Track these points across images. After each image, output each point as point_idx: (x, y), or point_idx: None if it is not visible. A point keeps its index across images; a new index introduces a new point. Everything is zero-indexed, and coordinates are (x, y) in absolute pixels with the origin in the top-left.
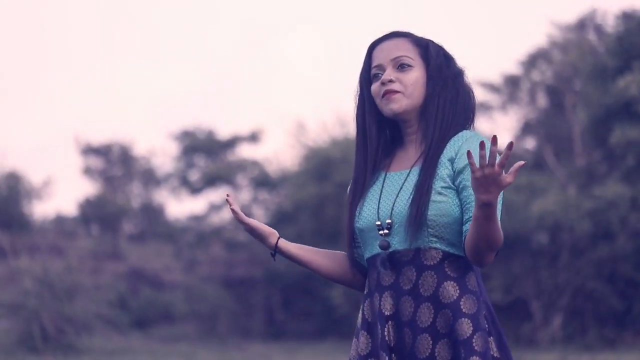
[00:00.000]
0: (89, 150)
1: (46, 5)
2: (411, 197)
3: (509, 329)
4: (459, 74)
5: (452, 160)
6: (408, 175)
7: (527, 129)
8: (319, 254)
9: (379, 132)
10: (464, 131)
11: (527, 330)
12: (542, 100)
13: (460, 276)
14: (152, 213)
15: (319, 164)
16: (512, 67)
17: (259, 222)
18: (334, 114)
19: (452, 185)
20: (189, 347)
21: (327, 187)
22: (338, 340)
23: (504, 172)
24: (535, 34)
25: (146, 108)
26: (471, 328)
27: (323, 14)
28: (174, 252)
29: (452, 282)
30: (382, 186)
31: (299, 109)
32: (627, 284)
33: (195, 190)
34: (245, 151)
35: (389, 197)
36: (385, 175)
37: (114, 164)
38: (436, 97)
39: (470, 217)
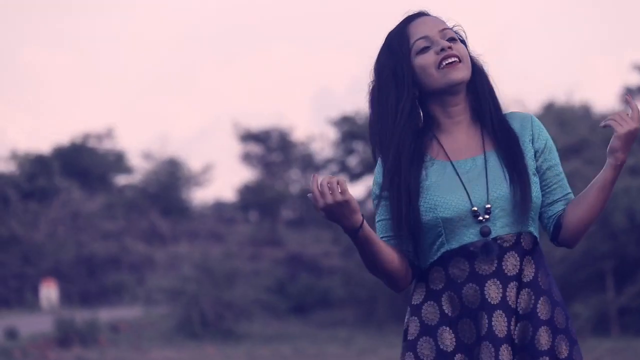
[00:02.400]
0: (248, 137)
1: None
2: (509, 179)
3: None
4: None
5: (531, 141)
6: (485, 159)
7: None
8: (387, 245)
9: (414, 114)
10: (516, 111)
11: None
12: None
13: (545, 262)
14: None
15: None
16: None
17: None
18: None
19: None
20: (347, 332)
21: None
22: None
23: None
24: None
25: (305, 94)
26: (564, 315)
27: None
28: (333, 237)
29: (544, 269)
30: (457, 174)
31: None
32: None
33: (354, 176)
34: None
35: (476, 183)
36: (452, 163)
37: (272, 150)
38: (484, 75)
39: (559, 198)
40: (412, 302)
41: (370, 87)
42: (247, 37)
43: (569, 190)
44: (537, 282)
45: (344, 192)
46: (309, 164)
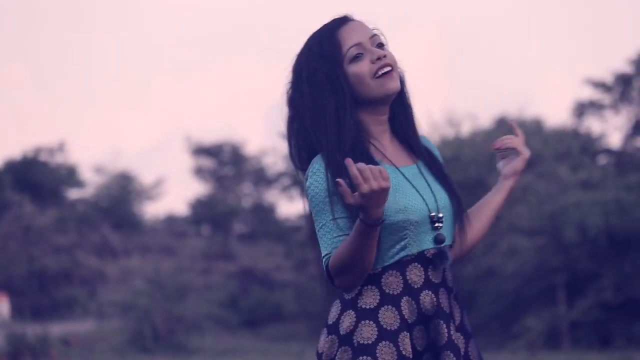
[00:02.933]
0: (200, 151)
1: (154, 5)
2: (447, 190)
3: (621, 327)
4: None
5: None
6: (419, 169)
7: (638, 127)
8: None
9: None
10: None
11: (639, 329)
12: None
13: None
14: (263, 213)
15: None
16: (624, 65)
17: None
18: (444, 114)
19: None
20: (299, 345)
21: None
22: None
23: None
24: None
25: (257, 107)
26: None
27: (435, 13)
28: (285, 251)
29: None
30: (408, 180)
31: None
32: None
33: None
34: None
35: (423, 190)
36: (398, 169)
37: (225, 164)
38: (404, 87)
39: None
40: (362, 306)
41: (295, 89)
42: (200, 51)
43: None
44: (458, 293)
45: (386, 179)
46: (261, 177)
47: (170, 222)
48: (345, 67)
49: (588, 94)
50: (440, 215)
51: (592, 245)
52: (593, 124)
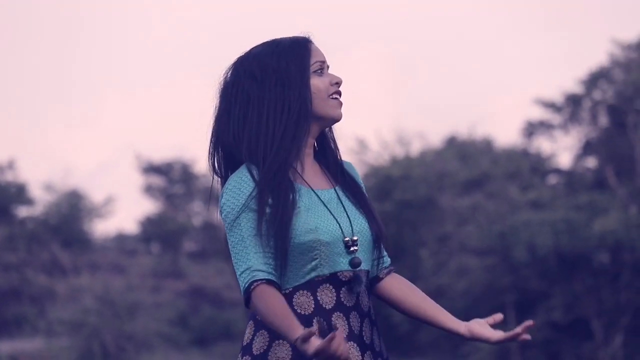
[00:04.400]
0: (150, 169)
1: (103, 24)
2: (365, 215)
3: (570, 347)
4: None
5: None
6: (337, 194)
7: (588, 148)
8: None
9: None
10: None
11: (588, 349)
12: (604, 119)
13: None
14: (213, 231)
15: (379, 182)
16: (574, 86)
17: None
18: (394, 133)
19: None
20: None
21: (387, 205)
22: (398, 358)
23: None
24: (597, 53)
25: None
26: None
27: (386, 32)
28: (234, 270)
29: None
30: (323, 202)
31: (359, 127)
32: None
33: None
34: None
35: (339, 214)
36: (314, 191)
37: (175, 182)
38: None
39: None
40: None
41: (249, 84)
42: (149, 69)
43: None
44: (376, 321)
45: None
46: (211, 196)
47: (120, 240)
48: (310, 77)
49: (538, 114)
50: (355, 238)
51: (542, 265)
52: (543, 144)
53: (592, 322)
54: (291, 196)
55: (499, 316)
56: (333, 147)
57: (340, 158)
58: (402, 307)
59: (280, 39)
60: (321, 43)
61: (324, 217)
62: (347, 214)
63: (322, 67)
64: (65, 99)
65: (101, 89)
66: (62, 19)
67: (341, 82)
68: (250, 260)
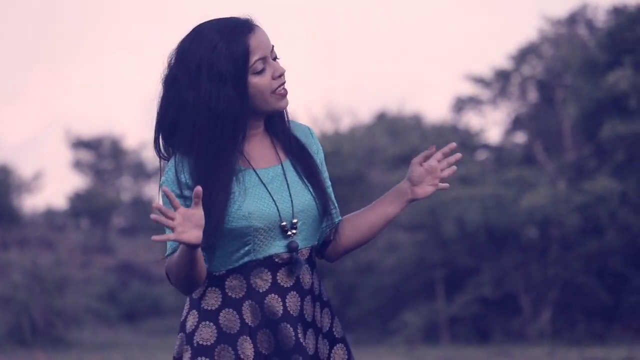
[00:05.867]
0: (79, 144)
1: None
2: (311, 191)
3: (498, 323)
4: None
5: (316, 152)
6: (283, 169)
7: (517, 123)
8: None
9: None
10: (294, 120)
11: (517, 324)
12: (533, 94)
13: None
14: (142, 206)
15: None
16: (503, 61)
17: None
18: (324, 109)
19: None
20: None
21: None
22: None
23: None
24: (526, 29)
25: (136, 101)
26: (340, 325)
27: (308, 9)
28: (164, 246)
29: (322, 281)
30: (263, 183)
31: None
32: (616, 278)
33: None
34: None
35: (280, 194)
36: (255, 171)
37: (104, 157)
38: None
39: (333, 210)
40: (204, 307)
41: (185, 78)
42: (77, 41)
43: (336, 205)
44: (321, 295)
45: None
46: (140, 171)
47: (49, 215)
48: (249, 77)
49: (468, 89)
50: (295, 220)
51: (471, 241)
52: (472, 120)
53: (521, 297)
54: (221, 192)
55: (452, 145)
56: (282, 120)
57: (289, 127)
58: (360, 242)
59: (222, 27)
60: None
61: (260, 200)
62: (289, 192)
63: (264, 64)
64: None
65: (28, 61)
66: None
67: (283, 72)
68: (171, 247)
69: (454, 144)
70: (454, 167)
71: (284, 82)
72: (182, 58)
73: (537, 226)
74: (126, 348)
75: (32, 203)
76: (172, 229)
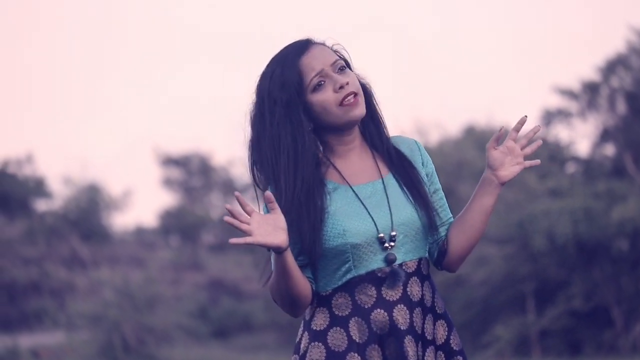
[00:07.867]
0: (168, 161)
1: (120, 14)
2: (413, 202)
3: (590, 335)
4: None
5: (423, 164)
6: (384, 184)
7: (606, 135)
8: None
9: (313, 146)
10: (400, 135)
11: (608, 337)
12: (622, 106)
13: (436, 285)
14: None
15: None
16: (591, 73)
17: None
18: (412, 123)
19: None
20: (268, 356)
21: None
22: None
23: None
24: (614, 40)
25: (225, 118)
26: (459, 337)
27: (393, 22)
28: (254, 261)
29: (438, 292)
30: (359, 199)
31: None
32: None
33: None
34: None
35: (379, 209)
36: (352, 188)
37: (193, 174)
38: (371, 98)
39: (442, 222)
40: (314, 328)
41: (257, 113)
42: (164, 59)
43: (451, 215)
44: (434, 307)
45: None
46: (229, 188)
47: (139, 233)
48: (309, 96)
49: (555, 101)
50: (394, 233)
51: (561, 254)
52: (561, 132)
53: (612, 310)
54: (311, 213)
55: (522, 119)
56: (379, 133)
57: (387, 139)
58: (469, 244)
59: (280, 54)
60: (326, 36)
61: (356, 216)
62: (389, 205)
63: (322, 78)
64: (81, 90)
65: (116, 79)
66: (88, 18)
67: (344, 82)
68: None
69: (525, 117)
70: (539, 142)
71: (351, 93)
72: (255, 92)
73: (627, 238)
74: None
75: (122, 221)
76: (248, 233)
